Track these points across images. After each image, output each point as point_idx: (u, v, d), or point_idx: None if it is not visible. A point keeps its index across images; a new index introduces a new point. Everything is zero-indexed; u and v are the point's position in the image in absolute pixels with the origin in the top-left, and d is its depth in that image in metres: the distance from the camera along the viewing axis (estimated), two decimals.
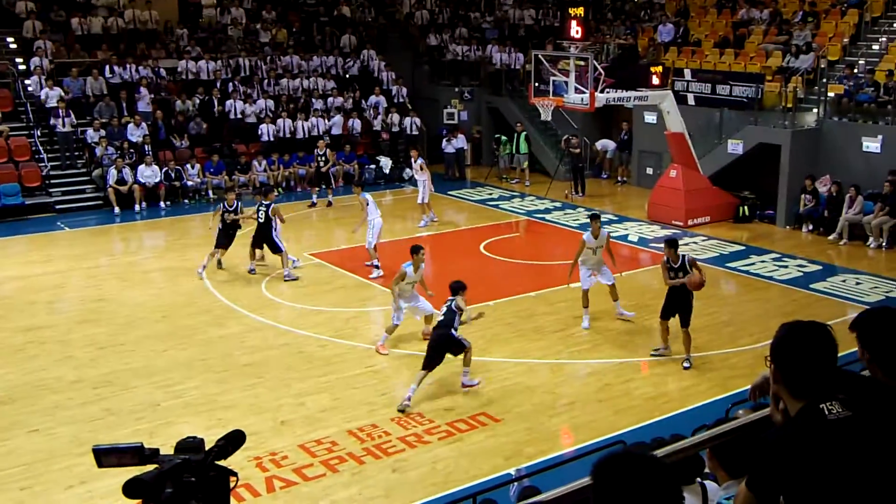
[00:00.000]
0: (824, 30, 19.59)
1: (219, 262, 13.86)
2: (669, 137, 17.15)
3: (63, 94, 19.39)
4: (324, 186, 19.20)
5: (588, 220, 12.20)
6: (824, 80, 17.60)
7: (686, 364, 10.18)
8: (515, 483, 6.89)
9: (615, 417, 8.83)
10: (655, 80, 17.97)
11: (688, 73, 19.42)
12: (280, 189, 20.29)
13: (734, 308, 12.43)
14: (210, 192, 19.59)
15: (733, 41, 20.78)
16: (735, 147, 17.60)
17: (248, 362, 10.34)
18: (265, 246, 13.68)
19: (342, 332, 11.23)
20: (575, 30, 16.29)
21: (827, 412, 2.22)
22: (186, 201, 19.22)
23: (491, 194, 20.17)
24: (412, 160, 17.18)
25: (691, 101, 18.90)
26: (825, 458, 2.16)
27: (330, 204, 18.63)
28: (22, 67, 20.42)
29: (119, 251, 16.43)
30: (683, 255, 10.13)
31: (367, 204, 13.68)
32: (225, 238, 13.81)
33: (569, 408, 9.15)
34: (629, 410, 8.99)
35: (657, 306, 12.34)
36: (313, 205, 18.60)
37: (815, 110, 17.51)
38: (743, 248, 15.52)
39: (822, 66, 17.93)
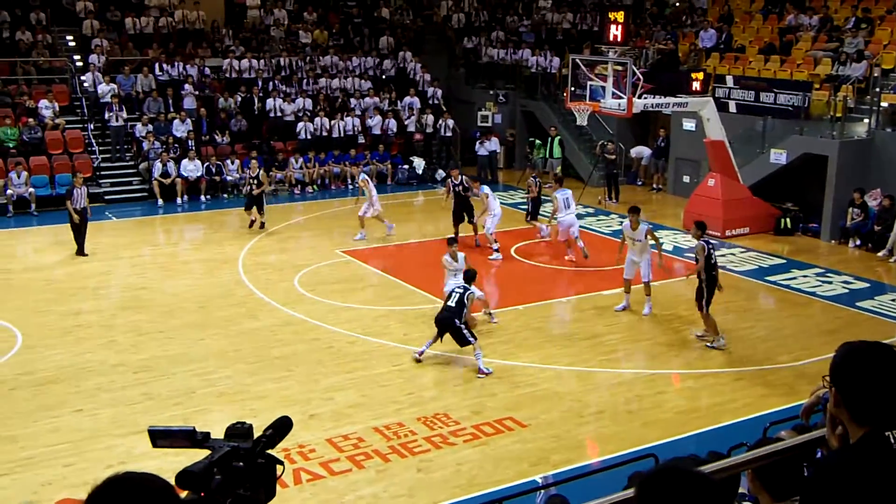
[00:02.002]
0: (878, 37, 19.03)
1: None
2: (709, 145, 16.94)
3: (116, 89, 19.95)
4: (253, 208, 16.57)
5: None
6: (877, 90, 17.15)
7: (710, 344, 10.91)
8: (542, 491, 6.90)
9: (645, 430, 8.74)
10: (696, 87, 17.81)
11: (730, 80, 19.14)
12: (315, 186, 20.58)
13: (772, 323, 12.19)
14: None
15: (779, 48, 20.41)
16: (778, 157, 17.29)
17: (280, 355, 10.52)
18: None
19: (371, 330, 11.35)
20: (614, 34, 16.19)
21: (894, 441, 2.07)
22: (225, 195, 19.61)
23: (523, 198, 20.10)
24: (355, 176, 17.30)
25: (733, 108, 18.61)
26: (889, 490, 2.01)
27: (263, 226, 16.44)
28: (79, 64, 21.07)
29: (161, 242, 16.85)
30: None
31: (488, 196, 15.04)
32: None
33: (597, 417, 9.12)
34: (659, 423, 8.90)
35: (691, 317, 12.29)
36: (253, 224, 16.48)
37: (866, 121, 17.06)
38: (784, 261, 15.21)
39: (876, 74, 17.45)
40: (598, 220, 18.11)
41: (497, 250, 14.88)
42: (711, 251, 10.79)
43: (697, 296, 10.94)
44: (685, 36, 22.71)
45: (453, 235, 12.95)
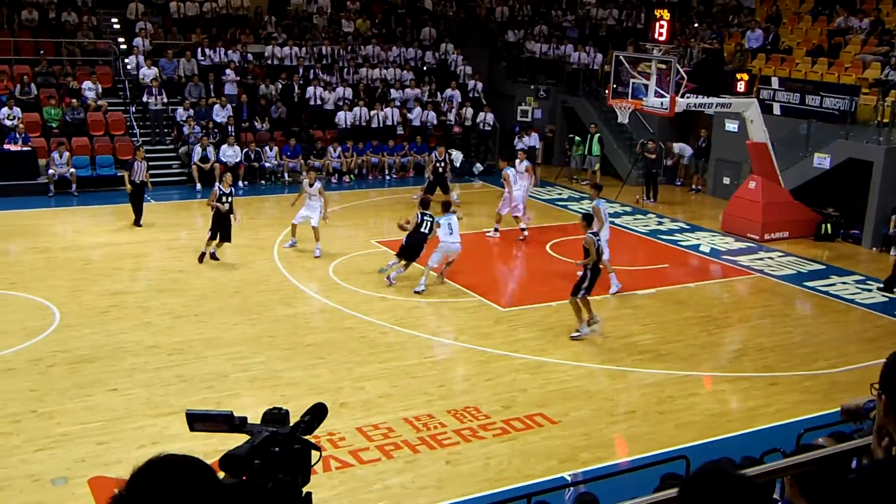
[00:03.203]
0: None
1: None
2: (751, 147, 16.65)
3: (158, 73, 20.22)
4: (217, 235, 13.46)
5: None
6: None
7: (575, 334, 10.88)
8: (571, 488, 6.86)
9: (676, 431, 8.66)
10: (741, 88, 17.49)
11: (775, 82, 18.78)
12: (352, 176, 20.66)
13: (809, 329, 12.00)
14: (286, 174, 20.10)
15: (827, 50, 19.97)
16: (821, 161, 16.94)
17: (313, 343, 10.59)
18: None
19: (404, 321, 11.37)
20: (659, 32, 15.96)
21: None
22: (263, 182, 19.77)
23: (560, 194, 20.00)
24: (307, 182, 14.28)
25: (777, 110, 18.27)
26: None
27: (214, 256, 13.50)
28: (123, 47, 21.41)
29: (199, 226, 16.98)
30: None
31: (509, 177, 15.40)
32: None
33: (628, 416, 9.04)
34: (691, 425, 8.81)
35: (726, 320, 12.14)
36: (206, 256, 13.38)
37: None
38: (823, 267, 14.95)
39: None
40: (636, 219, 17.91)
41: (496, 230, 15.58)
42: (599, 243, 10.97)
43: (577, 285, 10.85)
44: (731, 35, 22.31)
45: (426, 197, 13.82)
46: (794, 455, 3.28)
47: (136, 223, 15.60)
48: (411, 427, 8.46)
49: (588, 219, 11.29)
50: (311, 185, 14.28)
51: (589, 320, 10.97)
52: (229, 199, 13.34)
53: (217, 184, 13.61)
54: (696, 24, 23.65)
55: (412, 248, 12.61)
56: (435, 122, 22.32)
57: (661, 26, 15.94)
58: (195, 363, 9.78)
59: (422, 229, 12.56)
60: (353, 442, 8.10)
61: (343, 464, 7.77)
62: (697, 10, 24.93)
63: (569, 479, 7.19)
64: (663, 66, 15.50)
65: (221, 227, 13.34)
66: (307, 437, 2.07)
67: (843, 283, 14.01)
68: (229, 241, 13.53)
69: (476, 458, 7.97)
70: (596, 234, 11.09)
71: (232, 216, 13.35)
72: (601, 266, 11.33)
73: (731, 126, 18.99)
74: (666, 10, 16.40)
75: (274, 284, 12.70)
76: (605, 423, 8.80)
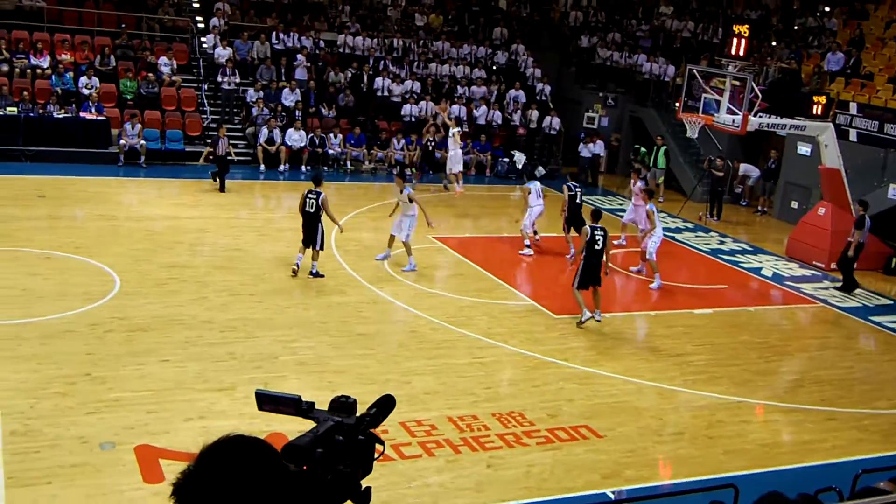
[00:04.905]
0: None
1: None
2: (823, 173, 16.11)
3: (232, 54, 20.62)
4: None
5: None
6: None
7: (598, 318, 11.22)
8: None
9: (724, 457, 8.41)
10: (817, 111, 16.92)
11: (854, 107, 18.14)
12: (413, 169, 20.69)
13: (873, 366, 11.54)
14: (349, 163, 20.27)
15: None
16: None
17: (363, 332, 10.60)
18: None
19: (455, 319, 11.30)
20: (736, 47, 15.55)
21: None
22: (326, 168, 19.92)
23: (621, 205, 19.63)
24: (399, 189, 13.03)
25: (853, 137, 17.65)
26: None
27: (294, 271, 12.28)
28: (201, 26, 21.89)
29: (259, 206, 17.31)
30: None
31: (530, 193, 14.89)
32: None
33: (676, 438, 8.82)
34: (741, 453, 8.54)
35: (784, 348, 11.77)
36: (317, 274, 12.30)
37: None
38: (891, 302, 14.38)
39: None
40: (697, 236, 17.52)
41: (528, 246, 14.75)
42: (596, 237, 11.09)
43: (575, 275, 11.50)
44: (810, 56, 21.62)
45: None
46: (856, 498, 3.13)
47: (222, 189, 16.81)
48: (455, 427, 8.39)
49: (593, 215, 11.66)
50: (402, 190, 12.93)
51: (584, 314, 11.24)
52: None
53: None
54: (774, 43, 22.99)
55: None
56: (500, 121, 22.23)
57: (739, 42, 15.53)
58: (247, 342, 9.90)
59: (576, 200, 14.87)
60: (396, 436, 8.07)
61: (384, 457, 7.75)
62: (777, 28, 24.24)
63: (612, 496, 7.05)
64: (737, 83, 15.08)
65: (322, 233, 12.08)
66: (371, 430, 2.04)
67: None
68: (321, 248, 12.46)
69: (517, 465, 7.86)
70: (595, 227, 11.26)
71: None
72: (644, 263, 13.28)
73: (804, 149, 18.41)
74: (746, 27, 15.98)
75: (329, 271, 12.77)
76: (651, 442, 8.60)
